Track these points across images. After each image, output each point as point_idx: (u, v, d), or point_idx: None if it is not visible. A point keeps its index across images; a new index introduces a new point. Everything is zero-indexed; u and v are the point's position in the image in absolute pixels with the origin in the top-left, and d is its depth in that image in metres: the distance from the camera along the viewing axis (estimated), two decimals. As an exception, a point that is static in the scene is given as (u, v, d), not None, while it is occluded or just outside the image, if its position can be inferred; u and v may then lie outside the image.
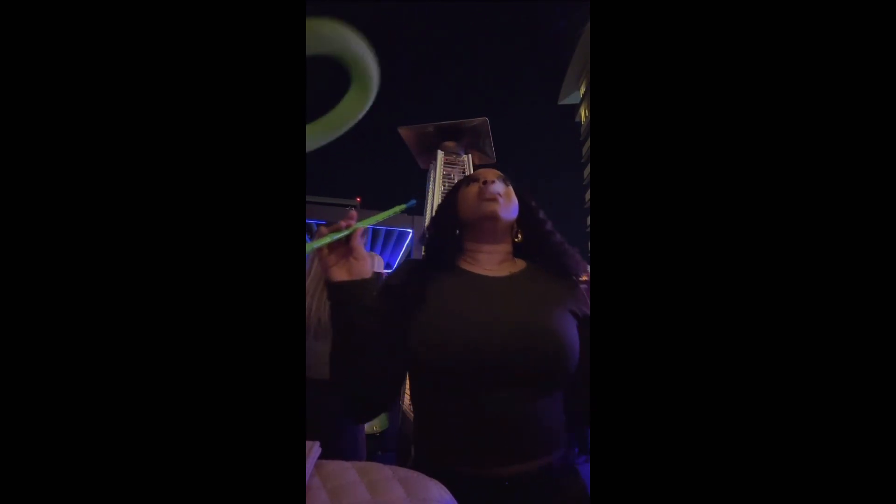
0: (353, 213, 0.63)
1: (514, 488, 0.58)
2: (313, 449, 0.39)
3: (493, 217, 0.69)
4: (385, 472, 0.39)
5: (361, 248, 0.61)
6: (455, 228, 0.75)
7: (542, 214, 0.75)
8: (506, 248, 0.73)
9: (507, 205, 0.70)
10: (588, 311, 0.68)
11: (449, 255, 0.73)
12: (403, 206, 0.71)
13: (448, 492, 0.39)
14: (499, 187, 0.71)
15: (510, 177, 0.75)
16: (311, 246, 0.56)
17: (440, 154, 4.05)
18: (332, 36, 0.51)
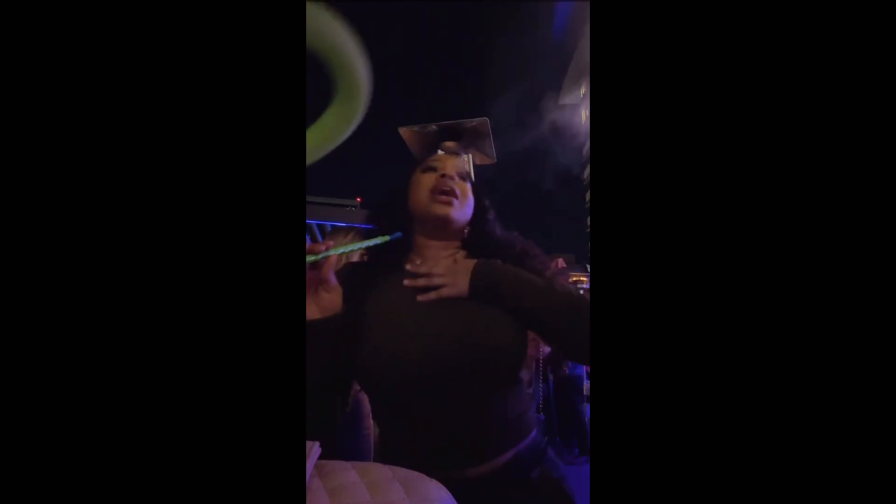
0: (329, 241, 0.58)
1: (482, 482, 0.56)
2: (313, 449, 0.39)
3: (445, 220, 0.64)
4: (385, 473, 0.39)
5: (334, 279, 0.56)
6: (406, 222, 0.67)
7: (491, 216, 0.70)
8: (455, 243, 0.68)
9: (462, 205, 0.65)
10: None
11: (395, 255, 0.67)
12: (388, 238, 0.65)
13: (448, 492, 0.39)
14: (457, 183, 0.65)
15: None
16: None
17: (440, 154, 4.04)
18: (313, 25, 0.39)
